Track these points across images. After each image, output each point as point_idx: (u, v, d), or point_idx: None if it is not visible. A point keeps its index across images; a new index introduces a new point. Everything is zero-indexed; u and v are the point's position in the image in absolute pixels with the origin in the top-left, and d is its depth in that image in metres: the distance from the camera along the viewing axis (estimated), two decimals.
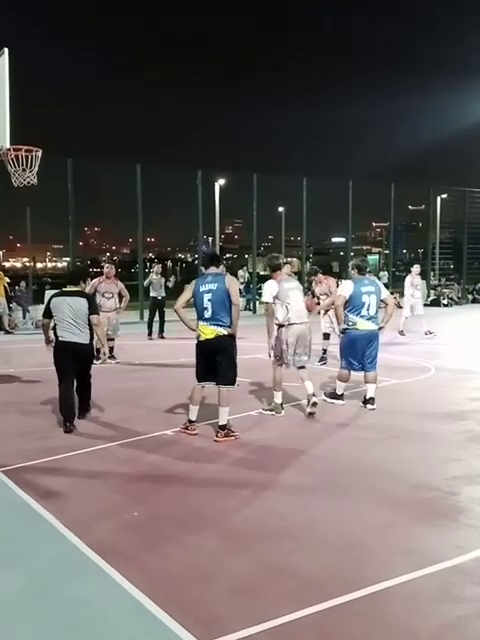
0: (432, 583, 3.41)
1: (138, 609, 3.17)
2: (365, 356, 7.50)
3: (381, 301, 7.67)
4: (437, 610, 3.16)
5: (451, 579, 3.45)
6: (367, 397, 7.56)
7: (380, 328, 7.62)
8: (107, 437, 6.19)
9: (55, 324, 6.69)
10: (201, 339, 6.20)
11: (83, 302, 6.68)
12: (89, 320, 6.66)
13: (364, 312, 7.43)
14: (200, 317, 6.18)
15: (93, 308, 6.78)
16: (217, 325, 6.11)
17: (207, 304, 6.10)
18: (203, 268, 6.73)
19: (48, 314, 6.79)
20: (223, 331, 6.11)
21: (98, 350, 8.64)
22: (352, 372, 7.64)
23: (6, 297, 16.36)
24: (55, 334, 6.68)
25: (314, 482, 5.04)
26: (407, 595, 3.28)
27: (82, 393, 6.99)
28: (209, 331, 6.12)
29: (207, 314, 6.11)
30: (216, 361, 6.16)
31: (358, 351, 7.50)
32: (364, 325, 7.45)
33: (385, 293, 7.87)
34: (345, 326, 7.54)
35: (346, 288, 7.58)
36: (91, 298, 7.09)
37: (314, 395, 7.06)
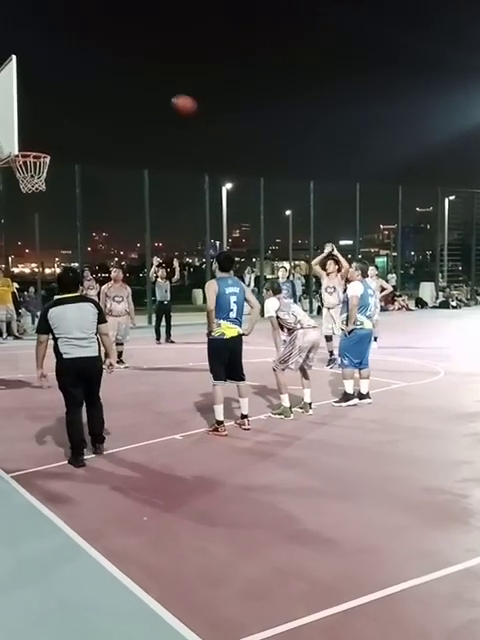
0: (444, 586, 3.39)
1: (148, 613, 3.17)
2: (365, 353, 7.84)
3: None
4: (450, 613, 3.14)
5: (463, 582, 3.43)
6: (363, 393, 7.89)
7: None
8: (116, 441, 6.19)
9: (56, 339, 5.61)
10: (226, 337, 6.44)
11: (90, 308, 5.74)
12: (97, 329, 5.75)
13: (369, 312, 7.80)
14: (225, 317, 6.44)
15: (102, 316, 5.87)
16: (238, 325, 6.53)
17: (233, 306, 6.46)
18: (219, 269, 6.65)
19: (47, 328, 5.61)
20: (241, 331, 6.58)
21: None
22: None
23: (15, 303, 16.45)
24: (58, 352, 5.60)
25: (324, 485, 5.03)
26: (419, 598, 3.26)
27: (92, 420, 5.94)
28: (233, 330, 6.48)
29: (232, 315, 6.46)
30: (233, 359, 6.53)
31: (362, 349, 7.80)
32: (369, 324, 7.84)
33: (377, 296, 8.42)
34: (353, 326, 7.72)
35: (358, 289, 7.79)
36: (98, 304, 6.11)
37: (310, 405, 7.39)
